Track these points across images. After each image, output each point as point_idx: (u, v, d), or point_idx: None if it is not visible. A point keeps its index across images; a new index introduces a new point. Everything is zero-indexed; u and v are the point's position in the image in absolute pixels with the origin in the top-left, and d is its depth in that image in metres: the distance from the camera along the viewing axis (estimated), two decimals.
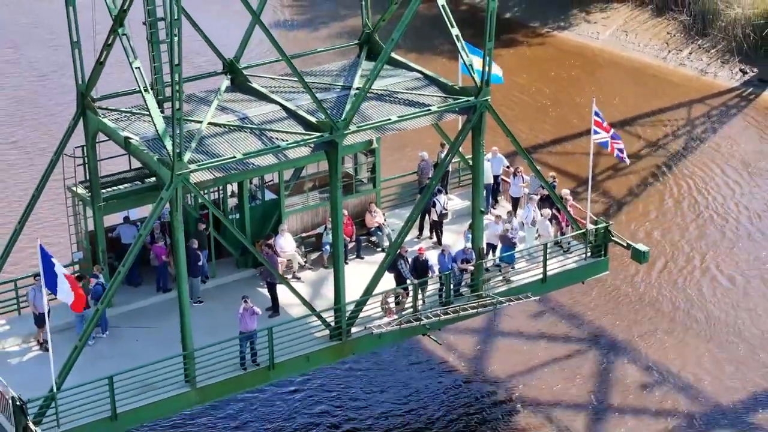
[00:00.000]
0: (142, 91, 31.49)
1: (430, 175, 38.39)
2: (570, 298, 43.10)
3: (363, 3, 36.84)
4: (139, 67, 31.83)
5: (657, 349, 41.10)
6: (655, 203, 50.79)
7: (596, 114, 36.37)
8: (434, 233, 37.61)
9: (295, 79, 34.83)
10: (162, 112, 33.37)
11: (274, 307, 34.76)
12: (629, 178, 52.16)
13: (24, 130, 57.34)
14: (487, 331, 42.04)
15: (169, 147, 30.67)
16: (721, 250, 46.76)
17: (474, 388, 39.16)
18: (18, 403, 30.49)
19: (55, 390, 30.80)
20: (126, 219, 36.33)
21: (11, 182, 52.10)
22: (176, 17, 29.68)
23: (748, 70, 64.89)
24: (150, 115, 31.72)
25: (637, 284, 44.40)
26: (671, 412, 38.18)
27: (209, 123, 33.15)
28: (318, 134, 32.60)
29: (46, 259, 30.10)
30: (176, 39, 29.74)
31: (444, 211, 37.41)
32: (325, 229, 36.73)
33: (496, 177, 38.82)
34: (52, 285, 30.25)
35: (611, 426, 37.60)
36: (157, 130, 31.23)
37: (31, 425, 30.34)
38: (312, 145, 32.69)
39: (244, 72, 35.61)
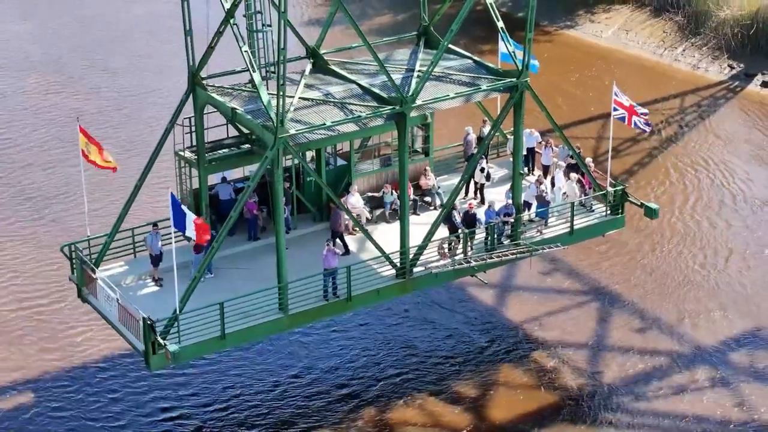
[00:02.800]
0: (251, 70, 37.51)
1: (473, 147, 44.48)
2: (575, 258, 48.85)
3: (421, 0, 42.98)
4: (247, 51, 37.90)
5: (647, 301, 46.81)
6: (655, 173, 56.30)
7: (615, 94, 42.14)
8: (479, 193, 43.43)
9: (364, 62, 41.08)
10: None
11: (346, 250, 39.99)
12: (634, 155, 57.48)
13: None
14: (505, 285, 47.85)
15: (273, 115, 36.68)
16: (702, 204, 52.95)
17: (496, 331, 45.15)
18: (148, 322, 35.81)
19: (178, 312, 36.49)
20: (223, 179, 41.50)
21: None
22: (283, 10, 35.72)
23: (735, 66, 68.38)
24: (255, 90, 37.78)
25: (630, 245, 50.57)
26: (658, 351, 43.69)
27: (300, 98, 39.25)
28: (390, 107, 38.61)
29: (176, 205, 35.88)
30: (282, 27, 35.62)
31: (489, 175, 43.24)
32: (387, 190, 42.66)
33: (530, 149, 44.27)
34: (181, 226, 36.08)
35: (607, 361, 43.14)
36: (262, 102, 37.18)
37: (159, 339, 35.91)
38: (385, 116, 38.68)
39: (324, 57, 41.66)
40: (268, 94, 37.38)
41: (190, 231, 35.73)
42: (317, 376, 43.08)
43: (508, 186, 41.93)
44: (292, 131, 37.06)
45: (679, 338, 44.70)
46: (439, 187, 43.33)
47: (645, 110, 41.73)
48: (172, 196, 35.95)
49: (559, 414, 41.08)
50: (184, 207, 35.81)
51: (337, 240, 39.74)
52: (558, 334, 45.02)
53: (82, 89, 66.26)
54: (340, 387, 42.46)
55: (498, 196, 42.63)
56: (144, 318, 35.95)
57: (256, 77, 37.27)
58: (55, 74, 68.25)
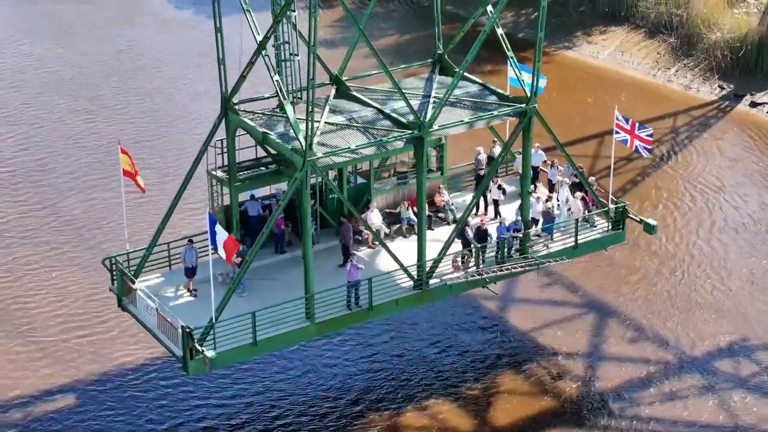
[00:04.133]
0: (281, 97, 40.16)
1: (483, 166, 47.12)
2: (572, 272, 51.19)
3: (436, 31, 45.61)
4: (278, 80, 40.60)
5: (640, 311, 49.33)
6: (647, 190, 58.61)
7: (617, 118, 44.63)
8: (494, 209, 45.56)
9: (384, 89, 43.79)
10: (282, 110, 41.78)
11: (345, 262, 42.11)
12: (628, 173, 59.76)
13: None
14: (508, 298, 50.31)
15: (302, 139, 39.25)
16: (692, 220, 55.55)
17: (499, 341, 47.69)
18: (186, 330, 38.17)
19: (214, 321, 38.88)
20: (252, 196, 43.75)
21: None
22: (313, 44, 38.36)
23: (725, 86, 70.05)
24: (284, 115, 40.46)
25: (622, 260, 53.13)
26: (650, 360, 46.21)
27: (325, 122, 41.88)
28: (410, 132, 41.23)
29: (212, 223, 38.50)
30: (312, 60, 38.15)
31: (505, 191, 45.60)
32: (404, 207, 45.22)
33: (535, 168, 46.66)
34: (214, 243, 38.59)
35: (603, 370, 45.65)
36: (292, 127, 39.79)
37: (196, 346, 38.34)
38: (404, 140, 41.27)
39: (347, 83, 44.29)
40: (297, 119, 39.83)
41: (220, 250, 38.08)
42: (330, 383, 45.52)
43: (518, 203, 44.40)
44: (319, 154, 39.56)
45: (669, 348, 47.18)
46: (452, 204, 45.80)
47: (650, 131, 44.07)
48: (210, 215, 38.46)
49: (558, 419, 43.55)
50: (218, 227, 38.15)
51: (357, 253, 42.23)
52: (557, 344, 47.51)
53: (115, 115, 68.05)
54: (352, 393, 44.96)
55: (508, 212, 45.08)
56: (182, 326, 38.31)
57: (287, 105, 39.81)
58: (87, 100, 69.91)
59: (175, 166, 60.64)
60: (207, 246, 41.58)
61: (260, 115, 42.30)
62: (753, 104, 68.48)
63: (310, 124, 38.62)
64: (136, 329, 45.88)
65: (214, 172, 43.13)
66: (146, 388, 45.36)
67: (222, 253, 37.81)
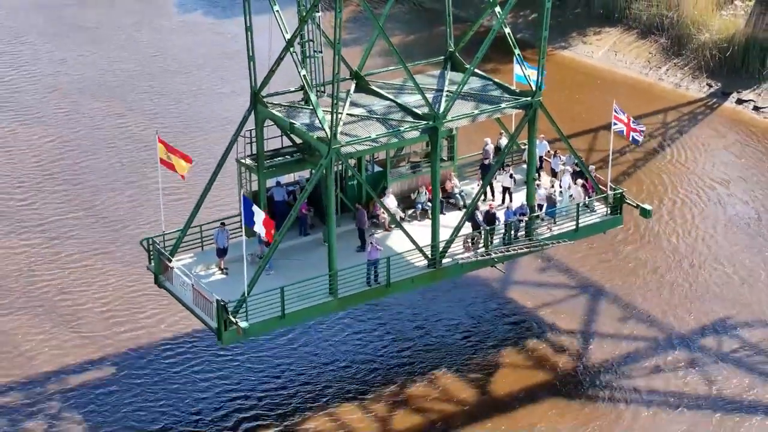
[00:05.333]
0: (308, 90, 43.22)
1: (491, 155, 50.20)
2: (566, 256, 54.27)
3: (447, 30, 48.74)
4: (305, 75, 43.65)
5: (626, 292, 52.51)
6: (642, 179, 61.55)
7: (615, 110, 47.83)
8: (506, 195, 48.41)
9: (400, 83, 46.86)
10: (306, 102, 44.61)
11: (362, 246, 45.33)
12: (621, 165, 62.29)
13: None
14: (508, 280, 53.31)
15: (327, 128, 42.35)
16: (679, 205, 58.61)
17: (500, 319, 50.87)
18: (221, 303, 41.18)
19: (246, 295, 42.02)
20: (278, 183, 46.75)
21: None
22: (338, 41, 41.32)
23: (713, 85, 71.79)
24: (307, 107, 43.53)
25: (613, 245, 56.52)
26: (639, 337, 49.20)
27: (347, 114, 44.86)
28: (425, 122, 44.36)
29: (247, 204, 41.31)
30: (338, 60, 41.12)
31: (516, 180, 48.52)
32: (417, 193, 48.27)
33: (539, 157, 49.27)
34: (250, 222, 41.61)
35: (595, 345, 48.69)
36: (318, 118, 42.82)
37: (230, 317, 41.32)
38: (420, 130, 44.42)
39: (366, 78, 47.29)
40: (322, 110, 42.87)
41: (259, 228, 41.04)
42: (343, 357, 48.59)
43: (524, 190, 47.30)
44: (343, 142, 42.62)
45: (657, 326, 50.23)
46: (461, 190, 48.85)
47: (642, 126, 47.42)
48: (245, 197, 41.48)
49: (553, 390, 46.63)
50: (255, 207, 41.15)
51: (372, 236, 45.18)
52: (553, 322, 50.50)
53: (145, 115, 70.12)
54: (362, 366, 48.14)
55: (515, 197, 48.22)
56: (217, 300, 41.30)
57: (313, 97, 42.87)
58: (118, 102, 71.88)
59: (204, 160, 62.22)
60: (237, 228, 44.77)
61: (286, 108, 45.07)
62: (739, 101, 70.52)
63: (335, 114, 41.58)
64: (173, 320, 49.31)
65: (242, 161, 45.95)
66: (180, 372, 48.07)
67: (261, 230, 40.62)
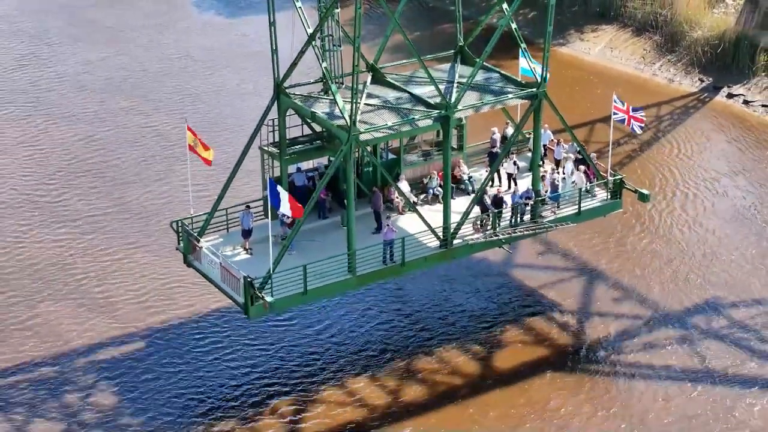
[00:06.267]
0: (329, 82, 45.71)
1: (497, 144, 52.75)
2: (563, 240, 56.72)
3: (458, 26, 51.32)
4: (326, 67, 46.17)
5: (623, 275, 55.03)
6: (635, 168, 64.07)
7: (615, 101, 50.38)
8: (511, 181, 50.94)
9: (413, 75, 49.33)
10: (326, 93, 47.03)
11: (378, 228, 47.79)
12: (617, 155, 64.69)
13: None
14: (506, 264, 55.93)
15: (347, 117, 44.88)
16: (671, 191, 61.00)
17: (501, 299, 53.50)
18: (248, 280, 43.69)
19: (271, 272, 44.52)
20: (298, 169, 49.07)
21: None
22: (358, 35, 43.85)
23: (705, 79, 73.86)
24: (326, 98, 46.02)
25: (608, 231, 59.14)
26: (632, 316, 51.76)
27: (364, 104, 47.38)
28: (437, 111, 46.94)
29: (273, 187, 43.72)
30: (358, 56, 43.63)
31: (519, 167, 51.19)
32: (429, 178, 50.79)
33: (544, 146, 51.87)
34: (276, 204, 44.09)
35: (592, 323, 51.30)
36: (338, 107, 45.31)
37: (257, 293, 43.84)
38: (433, 119, 46.94)
39: (381, 71, 49.75)
40: (342, 100, 45.41)
41: (285, 208, 43.59)
42: (355, 333, 51.20)
43: (530, 176, 49.83)
44: (362, 130, 45.20)
45: (649, 305, 52.79)
46: (470, 176, 51.44)
47: (642, 111, 49.78)
48: (271, 180, 43.99)
49: (552, 365, 49.23)
50: (280, 189, 43.72)
51: (388, 218, 47.69)
52: (552, 301, 53.06)
53: (168, 112, 72.29)
54: (371, 344, 50.71)
55: (521, 182, 50.76)
56: (244, 276, 43.79)
57: (334, 88, 45.38)
58: (142, 100, 74.12)
59: (227, 152, 64.46)
60: (260, 212, 47.37)
61: (306, 98, 47.54)
62: (729, 95, 72.41)
63: (354, 104, 44.12)
64: (203, 308, 52.20)
65: (266, 148, 48.35)
66: (211, 353, 50.49)
67: (288, 210, 43.20)
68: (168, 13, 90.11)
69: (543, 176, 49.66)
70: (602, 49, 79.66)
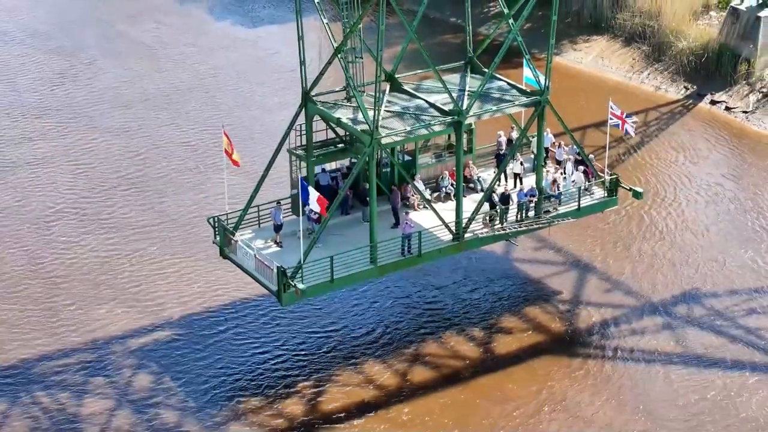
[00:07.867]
0: (354, 90, 49.63)
1: (503, 146, 56.63)
2: (561, 237, 60.30)
3: (468, 39, 55.28)
4: (351, 77, 50.11)
5: (613, 268, 58.60)
6: (630, 167, 67.57)
7: (611, 107, 54.40)
8: (517, 180, 54.72)
9: (428, 84, 53.21)
10: (349, 100, 50.99)
11: (396, 223, 51.23)
12: (612, 155, 68.00)
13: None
14: (507, 258, 59.54)
15: (370, 122, 48.77)
16: (655, 190, 64.52)
17: (504, 285, 57.47)
18: (281, 269, 47.44)
19: (302, 262, 48.23)
20: (323, 169, 52.69)
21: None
22: (381, 49, 47.77)
23: (690, 87, 75.74)
24: (354, 105, 49.94)
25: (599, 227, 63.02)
26: (620, 305, 55.45)
27: (385, 110, 51.25)
28: (451, 117, 50.86)
29: (303, 185, 47.68)
30: (380, 68, 47.32)
31: (524, 167, 55.03)
32: (441, 178, 54.63)
33: (546, 148, 55.69)
34: (306, 200, 47.93)
35: (583, 311, 54.92)
36: (362, 113, 49.14)
37: (289, 281, 47.53)
38: (446, 124, 50.77)
39: (399, 80, 53.61)
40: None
41: (314, 205, 47.44)
42: (366, 322, 54.91)
43: (534, 176, 53.67)
44: (383, 134, 49.12)
45: (635, 295, 56.46)
46: (479, 176, 55.35)
47: (635, 119, 53.95)
48: (302, 179, 47.91)
49: (546, 349, 52.89)
50: (310, 187, 47.59)
51: (406, 214, 51.47)
52: (547, 291, 56.65)
53: (200, 125, 74.95)
54: (374, 330, 54.56)
55: (525, 181, 54.69)
56: (278, 266, 47.61)
57: (358, 95, 49.32)
58: (175, 112, 76.75)
59: (257, 159, 67.13)
60: (289, 209, 51.20)
61: (330, 105, 51.36)
62: (713, 102, 74.91)
63: (376, 111, 48.04)
64: (238, 303, 55.84)
65: (293, 150, 52.15)
66: (243, 342, 54.40)
67: (316, 207, 47.11)
68: (195, 28, 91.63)
69: (554, 179, 53.22)
70: (594, 58, 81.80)
